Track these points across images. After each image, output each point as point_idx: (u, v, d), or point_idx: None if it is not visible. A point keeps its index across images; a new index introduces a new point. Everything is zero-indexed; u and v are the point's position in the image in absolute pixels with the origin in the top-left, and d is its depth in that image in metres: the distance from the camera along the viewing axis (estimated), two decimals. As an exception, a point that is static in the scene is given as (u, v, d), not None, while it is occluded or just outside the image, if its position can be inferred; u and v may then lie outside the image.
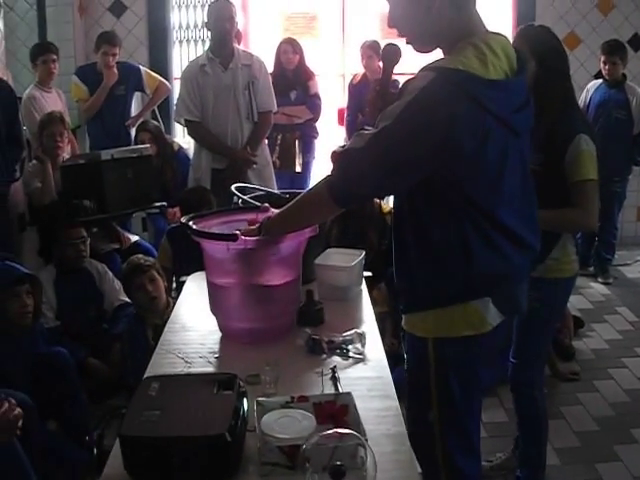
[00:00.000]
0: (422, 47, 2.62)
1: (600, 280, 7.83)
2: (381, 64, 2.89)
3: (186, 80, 6.29)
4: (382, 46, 2.88)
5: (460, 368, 2.65)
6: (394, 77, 2.93)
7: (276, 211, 3.05)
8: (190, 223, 3.30)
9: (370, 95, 2.92)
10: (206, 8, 6.87)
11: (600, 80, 7.76)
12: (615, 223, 7.99)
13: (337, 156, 2.60)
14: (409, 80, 2.48)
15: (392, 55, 2.80)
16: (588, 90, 7.82)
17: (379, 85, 2.87)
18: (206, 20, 6.33)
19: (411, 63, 2.94)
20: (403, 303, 2.76)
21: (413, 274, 2.65)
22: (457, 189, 2.49)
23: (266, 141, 6.65)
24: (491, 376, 2.82)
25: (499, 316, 2.65)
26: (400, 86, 2.55)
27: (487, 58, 2.43)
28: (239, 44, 7.81)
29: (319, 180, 2.69)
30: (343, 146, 2.74)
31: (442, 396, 2.68)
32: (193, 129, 6.37)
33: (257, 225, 3.04)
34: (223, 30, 6.10)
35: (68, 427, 4.41)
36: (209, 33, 6.51)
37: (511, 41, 2.64)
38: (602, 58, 7.60)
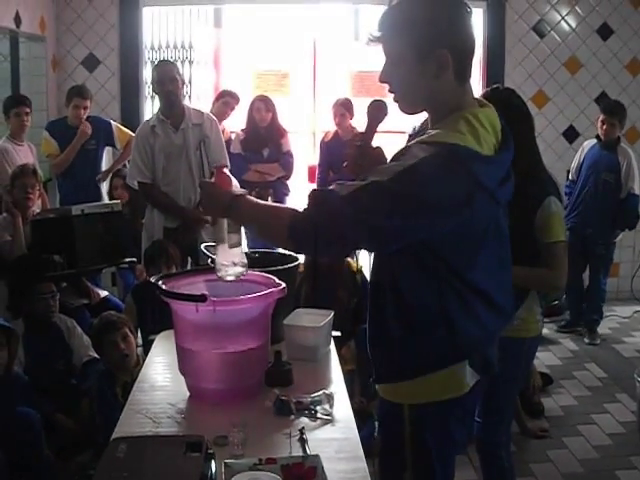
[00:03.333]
0: (409, 109, 2.57)
1: (587, 341, 7.75)
2: (366, 119, 2.78)
3: (137, 142, 6.31)
4: (353, 103, 2.82)
5: (437, 430, 2.62)
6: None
7: (252, 200, 2.68)
8: (159, 283, 3.30)
9: (350, 149, 2.81)
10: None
11: (595, 140, 7.68)
12: (601, 285, 7.93)
13: (314, 194, 2.45)
14: (404, 149, 2.42)
15: (378, 111, 2.74)
16: (583, 149, 7.79)
17: (360, 140, 2.79)
18: (150, 84, 6.35)
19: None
20: (379, 373, 2.69)
21: (392, 343, 2.59)
22: (436, 255, 2.45)
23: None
24: (464, 435, 2.79)
25: (475, 376, 2.63)
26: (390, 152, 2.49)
27: (479, 133, 2.41)
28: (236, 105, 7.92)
29: (292, 206, 2.54)
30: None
31: (418, 458, 2.64)
32: (145, 191, 6.38)
33: (228, 195, 2.67)
34: (167, 91, 6.13)
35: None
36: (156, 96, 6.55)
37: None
38: (601, 117, 7.53)
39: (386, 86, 2.56)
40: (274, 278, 3.42)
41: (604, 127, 7.48)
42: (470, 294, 2.51)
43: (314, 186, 8.42)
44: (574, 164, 7.82)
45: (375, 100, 2.77)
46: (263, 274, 3.50)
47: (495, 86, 3.96)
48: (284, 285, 3.28)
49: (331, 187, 2.42)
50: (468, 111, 2.45)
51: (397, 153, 2.46)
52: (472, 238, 2.47)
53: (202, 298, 3.07)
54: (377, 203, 2.31)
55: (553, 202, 3.67)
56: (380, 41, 2.51)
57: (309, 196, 2.43)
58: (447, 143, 2.34)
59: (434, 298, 2.49)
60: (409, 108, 2.57)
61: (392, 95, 2.56)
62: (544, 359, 7.06)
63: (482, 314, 2.55)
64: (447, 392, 2.59)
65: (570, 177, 7.79)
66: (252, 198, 2.67)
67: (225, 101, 7.97)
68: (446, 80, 2.44)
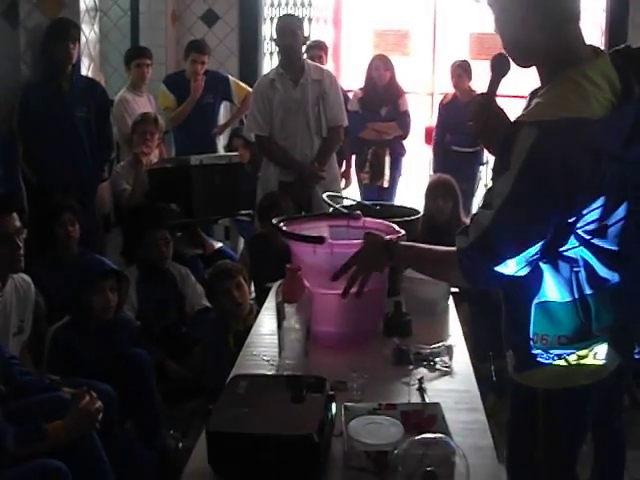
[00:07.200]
0: (520, 60, 2.46)
1: None
2: (489, 73, 2.64)
3: (256, 95, 6.34)
4: (471, 65, 2.74)
5: (572, 415, 2.51)
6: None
7: (408, 244, 2.84)
8: (280, 224, 3.33)
9: (474, 108, 2.74)
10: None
11: None
12: None
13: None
14: (510, 136, 2.26)
15: (501, 65, 2.60)
16: None
17: (483, 97, 2.70)
18: (274, 37, 6.34)
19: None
20: (519, 362, 2.53)
21: (526, 327, 2.44)
22: (573, 230, 2.30)
23: (335, 156, 6.59)
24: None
25: (617, 358, 2.46)
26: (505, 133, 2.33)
27: (589, 94, 2.22)
28: (325, 57, 7.87)
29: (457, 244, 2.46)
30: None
31: (550, 440, 2.52)
32: (262, 144, 6.39)
33: (385, 238, 2.89)
34: (287, 45, 6.14)
35: (140, 427, 4.44)
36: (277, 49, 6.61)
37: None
38: None
39: None
40: (394, 226, 3.39)
41: None
42: (612, 267, 2.36)
43: (430, 148, 8.38)
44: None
45: (498, 54, 2.63)
46: (384, 222, 3.47)
47: (627, 44, 3.81)
48: (403, 232, 3.23)
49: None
50: (576, 71, 2.28)
51: (508, 133, 2.30)
52: (609, 204, 2.28)
53: (320, 240, 3.07)
54: (511, 222, 2.26)
55: None
56: None
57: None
58: (550, 121, 2.19)
59: (567, 277, 2.35)
60: (520, 59, 2.46)
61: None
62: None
63: (621, 284, 2.38)
64: (585, 377, 2.44)
65: None
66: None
67: (312, 54, 7.84)
68: (532, 30, 2.33)
